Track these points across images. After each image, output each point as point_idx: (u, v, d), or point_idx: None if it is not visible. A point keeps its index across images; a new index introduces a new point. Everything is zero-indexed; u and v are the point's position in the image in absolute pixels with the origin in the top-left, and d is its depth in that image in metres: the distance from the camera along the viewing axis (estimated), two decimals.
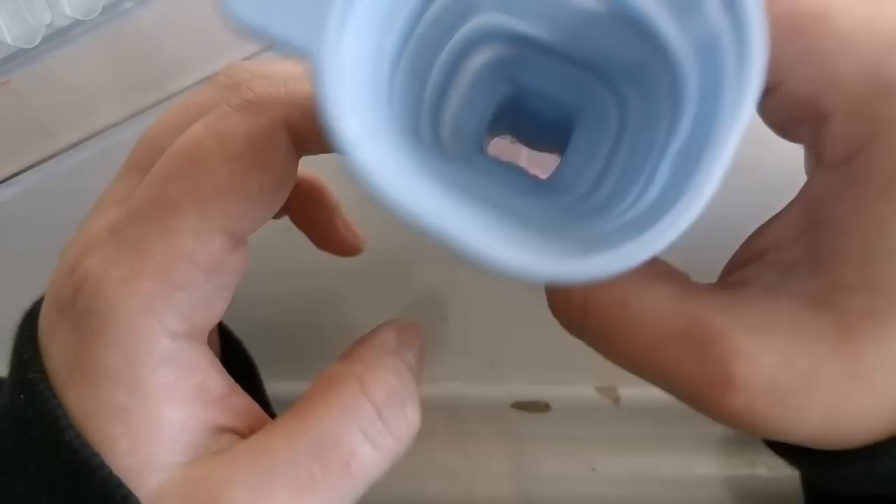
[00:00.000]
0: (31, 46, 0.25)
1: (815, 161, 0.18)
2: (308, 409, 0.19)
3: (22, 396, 0.18)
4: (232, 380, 0.20)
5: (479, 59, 0.22)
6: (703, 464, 0.29)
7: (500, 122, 0.23)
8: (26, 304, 0.29)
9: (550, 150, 0.25)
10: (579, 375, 0.29)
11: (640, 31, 0.19)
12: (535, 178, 0.24)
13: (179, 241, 0.18)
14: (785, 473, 0.29)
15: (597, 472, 0.28)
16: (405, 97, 0.20)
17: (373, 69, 0.18)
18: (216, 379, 0.19)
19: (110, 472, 0.17)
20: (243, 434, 0.19)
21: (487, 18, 0.21)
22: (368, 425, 0.19)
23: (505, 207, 0.18)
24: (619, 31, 0.20)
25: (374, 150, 0.15)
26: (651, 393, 0.29)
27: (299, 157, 0.20)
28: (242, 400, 0.20)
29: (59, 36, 0.26)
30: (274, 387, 0.29)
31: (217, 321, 0.20)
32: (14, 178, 0.28)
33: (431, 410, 0.29)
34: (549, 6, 0.21)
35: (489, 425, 0.29)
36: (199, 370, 0.19)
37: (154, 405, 0.18)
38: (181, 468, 0.18)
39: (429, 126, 0.21)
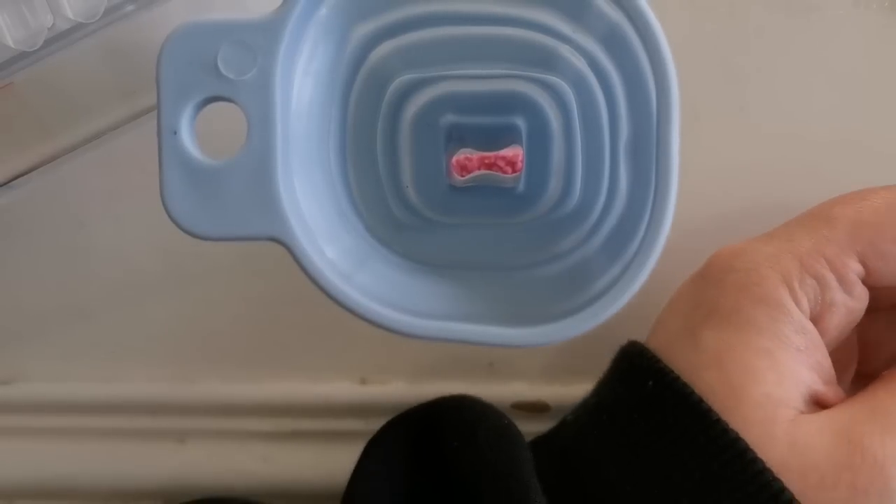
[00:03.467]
0: (32, 49, 0.25)
1: None
2: None
3: (650, 383, 0.21)
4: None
5: (412, 109, 0.24)
6: None
7: (455, 141, 0.24)
8: (27, 304, 0.30)
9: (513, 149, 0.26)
10: (579, 376, 0.29)
11: (545, 32, 0.21)
12: (508, 193, 0.24)
13: (825, 244, 0.22)
14: None
15: None
16: (365, 189, 0.22)
17: (331, 196, 0.19)
18: (828, 365, 0.22)
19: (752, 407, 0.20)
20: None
21: (403, 79, 0.23)
22: None
23: (475, 280, 0.21)
24: (522, 41, 0.22)
25: (361, 281, 0.17)
26: None
27: None
28: (838, 390, 0.22)
29: (60, 39, 0.26)
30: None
31: (831, 344, 0.23)
32: (16, 181, 0.28)
33: None
34: (451, 48, 0.22)
35: None
36: (821, 350, 0.22)
37: (791, 358, 0.21)
38: (799, 413, 0.21)
39: (397, 202, 0.22)
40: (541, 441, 0.24)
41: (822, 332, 0.22)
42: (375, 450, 0.24)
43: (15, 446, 0.29)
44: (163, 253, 0.29)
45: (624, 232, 0.19)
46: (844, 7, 0.28)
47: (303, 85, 0.19)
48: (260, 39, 0.17)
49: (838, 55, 0.28)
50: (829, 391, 0.21)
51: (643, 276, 0.17)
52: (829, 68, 0.28)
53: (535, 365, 0.29)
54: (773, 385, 0.21)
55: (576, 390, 0.29)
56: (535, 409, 0.29)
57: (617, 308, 0.17)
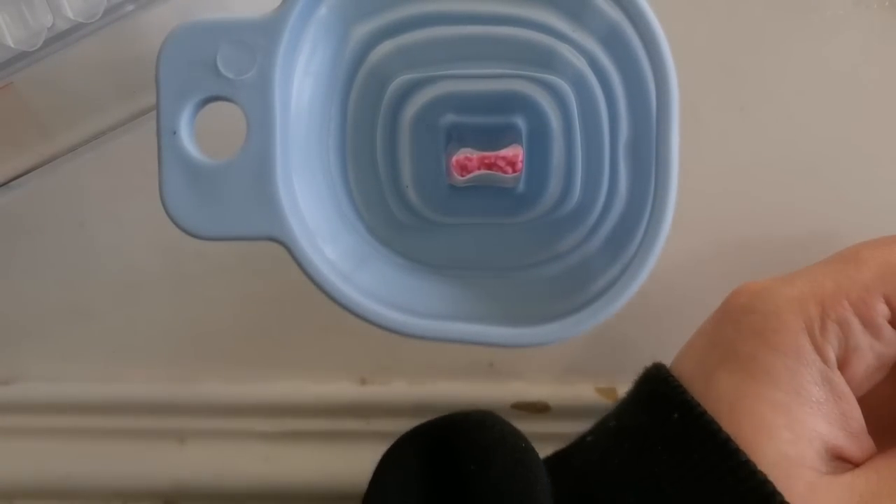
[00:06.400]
0: (32, 49, 0.25)
1: None
2: None
3: (676, 415, 0.21)
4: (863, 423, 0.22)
5: (412, 109, 0.24)
6: None
7: (455, 141, 0.24)
8: (27, 303, 0.30)
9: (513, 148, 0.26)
10: (579, 376, 0.29)
11: (544, 31, 0.21)
12: (508, 193, 0.24)
13: (850, 285, 0.21)
14: None
15: None
16: (365, 189, 0.22)
17: (331, 196, 0.19)
18: (857, 415, 0.21)
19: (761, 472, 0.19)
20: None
21: (402, 79, 0.23)
22: None
23: (475, 279, 0.21)
24: (522, 40, 0.22)
25: (361, 281, 0.17)
26: None
27: None
28: (865, 442, 0.21)
29: (60, 39, 0.26)
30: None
31: (860, 390, 0.22)
32: (16, 181, 0.28)
33: (432, 411, 0.29)
34: (450, 48, 0.22)
35: None
36: (846, 400, 0.21)
37: (808, 413, 0.20)
38: (817, 475, 0.20)
39: (397, 202, 0.22)
40: (557, 460, 0.23)
41: (848, 380, 0.21)
42: (392, 465, 0.23)
43: (15, 446, 0.29)
44: (163, 253, 0.29)
45: (624, 232, 0.19)
46: (844, 7, 0.28)
47: (302, 85, 0.19)
48: (259, 39, 0.17)
49: (838, 55, 0.28)
50: (853, 445, 0.21)
51: (643, 276, 0.17)
52: (829, 68, 0.28)
53: (535, 365, 0.29)
54: (788, 444, 0.20)
55: (576, 390, 0.29)
56: (535, 409, 0.29)
57: (617, 308, 0.17)
